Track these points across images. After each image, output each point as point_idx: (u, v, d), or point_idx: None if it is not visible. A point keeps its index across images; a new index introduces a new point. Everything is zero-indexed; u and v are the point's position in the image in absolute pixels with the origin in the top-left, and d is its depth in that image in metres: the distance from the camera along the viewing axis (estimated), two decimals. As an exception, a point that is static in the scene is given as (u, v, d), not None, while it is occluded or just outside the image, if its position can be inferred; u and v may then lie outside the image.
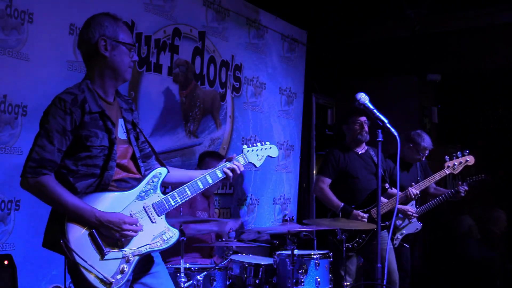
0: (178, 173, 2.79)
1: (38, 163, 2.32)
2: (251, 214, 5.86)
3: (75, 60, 3.94)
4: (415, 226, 5.15)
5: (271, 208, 6.21)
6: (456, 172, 4.73)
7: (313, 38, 6.90)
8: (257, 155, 2.94)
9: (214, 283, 3.71)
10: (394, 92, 7.48)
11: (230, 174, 2.77)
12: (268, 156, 3.00)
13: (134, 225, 2.42)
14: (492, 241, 6.91)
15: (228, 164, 2.78)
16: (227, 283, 3.91)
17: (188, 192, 2.63)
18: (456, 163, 4.69)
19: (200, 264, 3.97)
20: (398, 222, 5.12)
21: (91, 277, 2.30)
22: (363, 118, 4.57)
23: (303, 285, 3.99)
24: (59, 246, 2.32)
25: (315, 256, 4.09)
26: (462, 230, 7.04)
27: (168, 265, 3.73)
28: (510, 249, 6.93)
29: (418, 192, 4.66)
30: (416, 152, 5.21)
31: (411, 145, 5.21)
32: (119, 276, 2.36)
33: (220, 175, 2.75)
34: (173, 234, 2.54)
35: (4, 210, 3.51)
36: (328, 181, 4.58)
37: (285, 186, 6.43)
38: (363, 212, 4.44)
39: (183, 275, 3.46)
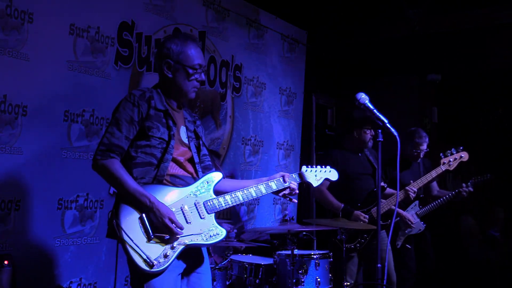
0: (232, 183, 2.93)
1: (107, 147, 2.58)
2: (251, 214, 5.87)
3: (75, 60, 3.95)
4: (418, 226, 5.15)
5: (271, 208, 6.21)
6: (451, 168, 4.75)
7: (313, 38, 6.90)
8: (315, 175, 3.08)
9: (214, 283, 3.71)
10: (394, 92, 7.48)
11: (289, 187, 2.89)
12: (327, 178, 3.12)
13: (175, 226, 2.55)
14: (492, 241, 6.92)
15: (287, 180, 2.89)
16: (227, 283, 3.91)
17: (240, 197, 2.78)
18: (451, 160, 4.72)
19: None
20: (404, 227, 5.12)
21: (135, 256, 2.49)
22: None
23: (303, 285, 3.99)
24: (114, 232, 2.52)
25: (315, 256, 4.09)
26: (463, 230, 7.05)
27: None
28: (510, 249, 6.93)
29: (416, 190, 4.65)
30: (411, 148, 5.24)
31: (407, 141, 5.25)
32: (162, 260, 2.51)
33: (274, 187, 2.87)
34: (220, 232, 2.66)
35: (4, 210, 3.51)
36: (326, 183, 4.54)
37: (285, 186, 6.42)
38: (363, 212, 4.44)
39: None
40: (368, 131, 4.53)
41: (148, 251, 2.50)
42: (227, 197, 2.75)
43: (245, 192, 2.80)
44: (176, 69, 2.73)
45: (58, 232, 3.84)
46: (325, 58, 7.32)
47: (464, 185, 5.11)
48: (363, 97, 3.20)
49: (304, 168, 3.06)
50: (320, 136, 7.35)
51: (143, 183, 2.62)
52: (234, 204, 2.77)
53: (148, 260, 2.48)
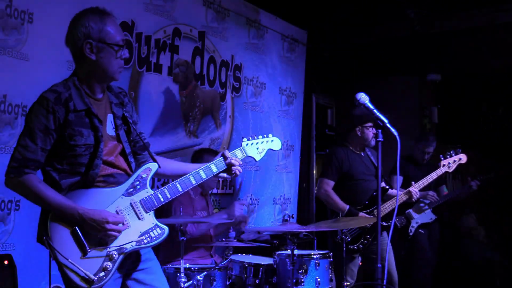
0: (172, 166, 2.72)
1: (21, 163, 2.31)
2: (251, 214, 5.86)
3: (75, 60, 3.94)
4: (429, 216, 5.29)
5: (271, 208, 6.21)
6: (450, 170, 4.85)
7: (313, 38, 6.90)
8: (257, 148, 2.87)
9: (214, 283, 3.71)
10: (394, 92, 7.48)
11: (233, 169, 2.67)
12: (270, 149, 2.92)
13: (119, 224, 2.36)
14: (492, 242, 6.92)
15: (226, 159, 2.67)
16: (227, 283, 3.90)
17: (179, 188, 2.56)
18: (450, 162, 4.83)
19: (200, 264, 3.97)
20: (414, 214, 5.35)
21: (73, 276, 2.28)
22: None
23: (303, 285, 3.99)
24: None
25: (315, 256, 4.09)
26: (464, 230, 7.06)
27: (168, 265, 3.74)
28: (510, 249, 6.93)
29: (418, 191, 4.71)
30: (419, 151, 5.67)
31: (416, 143, 5.71)
32: (102, 274, 2.32)
33: (215, 169, 2.64)
34: (161, 231, 2.47)
35: (4, 210, 3.51)
36: (332, 183, 4.55)
37: (285, 186, 6.43)
38: (367, 213, 4.43)
39: (183, 275, 3.45)
40: (370, 128, 4.53)
41: (86, 267, 2.29)
42: (166, 190, 2.52)
43: (185, 181, 2.57)
44: (99, 48, 2.43)
45: (58, 232, 3.83)
46: (325, 58, 7.32)
47: (469, 178, 5.37)
48: (363, 97, 3.20)
49: (245, 141, 2.84)
50: (320, 136, 7.35)
51: (73, 189, 2.39)
52: (174, 196, 2.54)
53: (87, 277, 2.28)
